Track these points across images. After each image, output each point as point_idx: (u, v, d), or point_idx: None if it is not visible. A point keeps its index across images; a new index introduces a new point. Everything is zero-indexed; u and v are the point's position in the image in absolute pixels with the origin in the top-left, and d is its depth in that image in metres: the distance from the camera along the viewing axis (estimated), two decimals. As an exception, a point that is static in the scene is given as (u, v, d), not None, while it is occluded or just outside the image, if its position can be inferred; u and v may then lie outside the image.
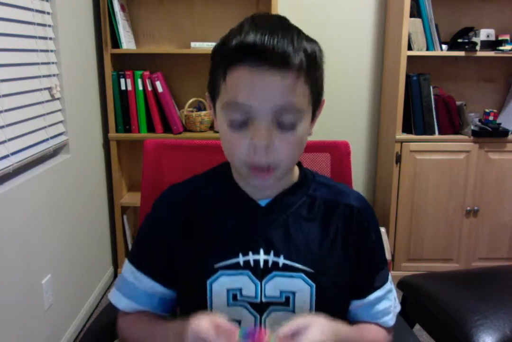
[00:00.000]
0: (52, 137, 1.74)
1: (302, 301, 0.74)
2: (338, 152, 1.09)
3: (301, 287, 0.74)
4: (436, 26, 2.21)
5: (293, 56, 0.64)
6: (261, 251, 0.74)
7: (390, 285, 0.83)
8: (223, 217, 0.78)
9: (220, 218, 0.78)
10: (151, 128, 2.28)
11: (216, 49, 0.71)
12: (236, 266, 0.74)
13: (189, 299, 0.79)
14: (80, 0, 2.04)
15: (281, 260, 0.74)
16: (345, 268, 0.78)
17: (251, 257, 0.74)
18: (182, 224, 0.78)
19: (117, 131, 2.26)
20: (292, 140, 0.68)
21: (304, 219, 0.77)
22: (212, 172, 0.85)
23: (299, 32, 0.68)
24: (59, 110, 1.82)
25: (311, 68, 0.68)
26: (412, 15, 2.19)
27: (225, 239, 0.76)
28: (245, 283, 0.74)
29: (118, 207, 2.33)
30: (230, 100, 0.67)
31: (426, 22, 2.21)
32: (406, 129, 2.29)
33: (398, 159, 2.28)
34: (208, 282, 0.74)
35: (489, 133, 2.25)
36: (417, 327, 1.47)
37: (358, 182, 2.65)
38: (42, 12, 1.68)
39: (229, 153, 0.72)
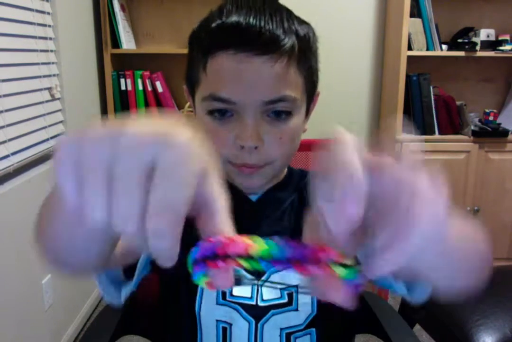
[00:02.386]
0: (52, 137, 1.74)
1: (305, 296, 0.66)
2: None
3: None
4: (436, 26, 2.21)
5: (284, 39, 0.56)
6: None
7: None
8: None
9: None
10: (151, 128, 2.28)
11: (194, 34, 0.62)
12: None
13: (173, 298, 0.70)
14: (80, 0, 2.04)
15: None
16: None
17: None
18: None
19: (117, 131, 2.26)
20: (284, 136, 0.59)
21: (298, 211, 0.70)
22: None
23: (289, 12, 0.60)
24: (59, 110, 1.82)
25: (304, 54, 0.60)
26: (412, 15, 2.19)
27: None
28: None
29: (118, 207, 2.33)
30: (212, 94, 0.58)
31: (426, 22, 2.21)
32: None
33: (398, 159, 2.27)
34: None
35: (489, 133, 2.25)
36: (417, 327, 1.47)
37: (358, 182, 2.64)
38: (42, 12, 1.68)
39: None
